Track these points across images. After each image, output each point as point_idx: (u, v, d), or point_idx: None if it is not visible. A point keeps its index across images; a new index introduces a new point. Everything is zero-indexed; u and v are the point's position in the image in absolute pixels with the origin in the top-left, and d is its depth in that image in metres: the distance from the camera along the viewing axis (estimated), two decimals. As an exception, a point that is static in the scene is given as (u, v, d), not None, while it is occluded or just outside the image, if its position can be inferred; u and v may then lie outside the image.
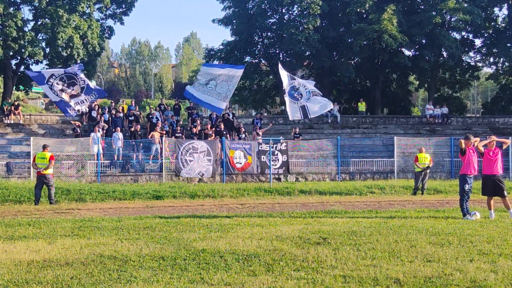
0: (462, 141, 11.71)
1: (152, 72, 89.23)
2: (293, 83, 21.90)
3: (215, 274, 6.15)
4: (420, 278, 5.93)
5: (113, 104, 30.98)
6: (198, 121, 26.40)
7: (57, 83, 20.85)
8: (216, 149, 21.86)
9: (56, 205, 15.86)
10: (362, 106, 33.79)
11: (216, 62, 41.12)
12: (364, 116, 33.43)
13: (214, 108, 23.64)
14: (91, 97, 21.63)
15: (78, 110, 22.98)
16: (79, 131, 24.54)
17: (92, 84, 22.98)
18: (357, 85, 42.50)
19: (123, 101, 33.64)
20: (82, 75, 21.24)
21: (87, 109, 25.35)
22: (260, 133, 25.38)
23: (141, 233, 9.30)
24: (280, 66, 22.42)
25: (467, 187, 11.60)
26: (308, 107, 21.93)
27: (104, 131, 24.04)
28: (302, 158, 24.37)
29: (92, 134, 22.68)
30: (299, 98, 21.78)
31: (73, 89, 21.11)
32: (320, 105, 22.16)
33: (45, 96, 71.92)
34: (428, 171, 19.67)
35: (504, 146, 12.01)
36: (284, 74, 21.83)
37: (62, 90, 20.95)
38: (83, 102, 21.83)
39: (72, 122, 25.42)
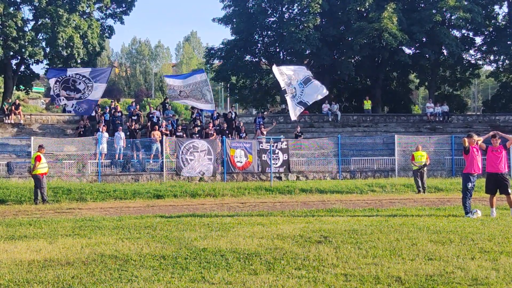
0: (466, 139, 11.54)
1: (153, 71, 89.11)
2: (290, 81, 21.76)
3: (216, 273, 6.15)
4: (421, 276, 5.92)
5: (113, 103, 31.01)
6: (199, 121, 26.37)
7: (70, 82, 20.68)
8: (216, 148, 21.85)
9: (43, 204, 16.07)
10: (367, 104, 33.78)
11: (216, 61, 41.13)
12: (365, 115, 33.40)
13: (204, 109, 25.13)
14: (79, 108, 21.40)
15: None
16: (83, 130, 24.46)
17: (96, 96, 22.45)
18: (358, 83, 42.46)
19: (118, 99, 33.67)
20: (99, 88, 20.95)
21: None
22: (265, 132, 25.39)
23: (142, 232, 9.30)
24: (274, 70, 21.88)
25: (470, 185, 11.52)
26: (304, 98, 21.83)
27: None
28: (303, 156, 24.36)
29: (99, 133, 22.63)
30: (295, 95, 21.71)
31: (74, 94, 20.94)
32: (316, 92, 22.01)
33: (46, 96, 71.97)
34: (425, 169, 19.64)
35: (508, 144, 11.80)
36: (279, 77, 21.62)
37: (64, 89, 20.80)
38: (66, 104, 21.71)
39: (82, 121, 25.23)
